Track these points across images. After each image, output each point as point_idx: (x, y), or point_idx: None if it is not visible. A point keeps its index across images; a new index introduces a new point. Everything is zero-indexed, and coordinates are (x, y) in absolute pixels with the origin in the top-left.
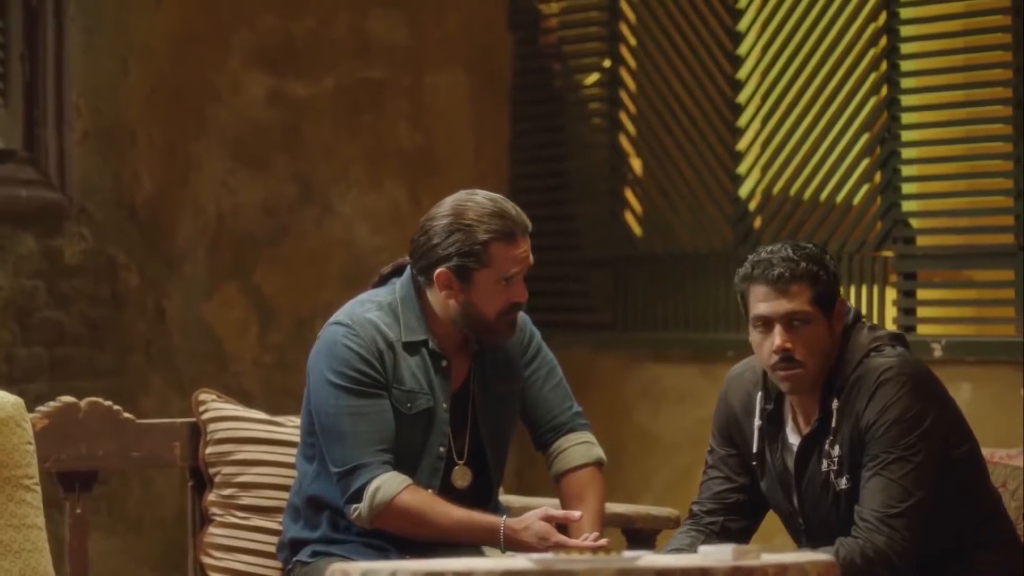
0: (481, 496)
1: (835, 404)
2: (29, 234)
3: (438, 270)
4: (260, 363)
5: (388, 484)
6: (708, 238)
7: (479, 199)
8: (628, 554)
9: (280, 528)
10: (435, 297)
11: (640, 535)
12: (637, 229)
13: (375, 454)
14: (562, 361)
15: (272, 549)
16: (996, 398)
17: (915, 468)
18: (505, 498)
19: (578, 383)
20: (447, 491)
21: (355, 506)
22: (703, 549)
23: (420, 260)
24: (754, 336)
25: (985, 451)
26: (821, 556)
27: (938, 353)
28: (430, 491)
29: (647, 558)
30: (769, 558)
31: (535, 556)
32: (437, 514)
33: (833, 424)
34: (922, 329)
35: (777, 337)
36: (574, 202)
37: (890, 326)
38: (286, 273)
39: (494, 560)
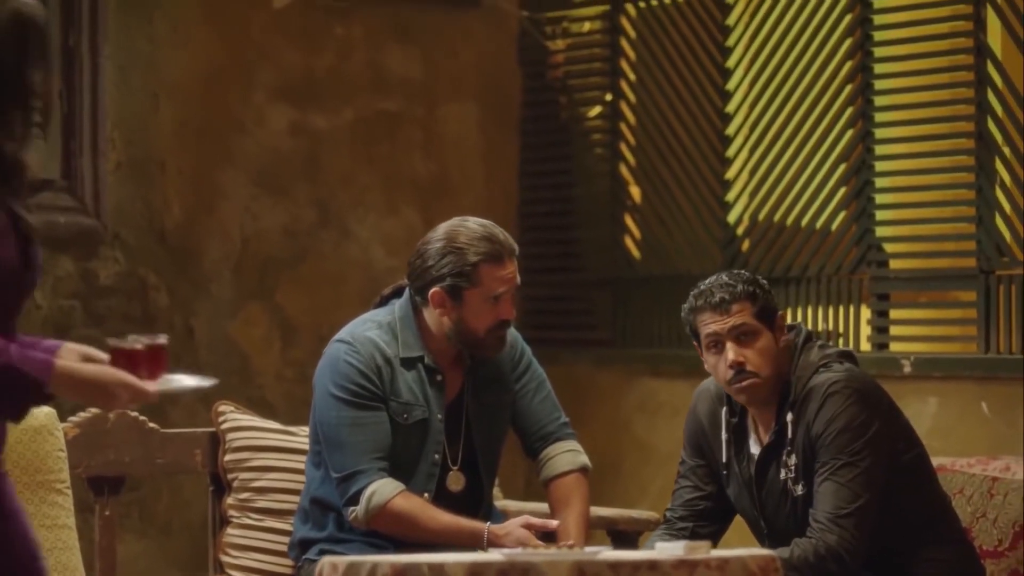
0: (474, 499)
1: (789, 417)
2: (67, 257)
3: (432, 290)
4: (282, 377)
5: (383, 489)
6: (700, 261)
7: (470, 224)
8: (589, 549)
9: (291, 529)
10: (430, 315)
11: (623, 536)
12: (636, 252)
13: (372, 461)
14: (565, 376)
15: (284, 548)
16: (960, 411)
17: (862, 472)
18: (503, 503)
19: (580, 397)
20: (442, 494)
21: (352, 509)
22: (659, 545)
23: (416, 281)
24: (709, 359)
25: (947, 460)
26: (762, 551)
27: (908, 369)
28: (426, 495)
29: (604, 553)
30: (716, 553)
31: (504, 550)
32: (427, 519)
33: (789, 435)
34: (894, 347)
35: (730, 352)
36: (578, 227)
37: (864, 344)
38: (307, 293)
39: (465, 554)
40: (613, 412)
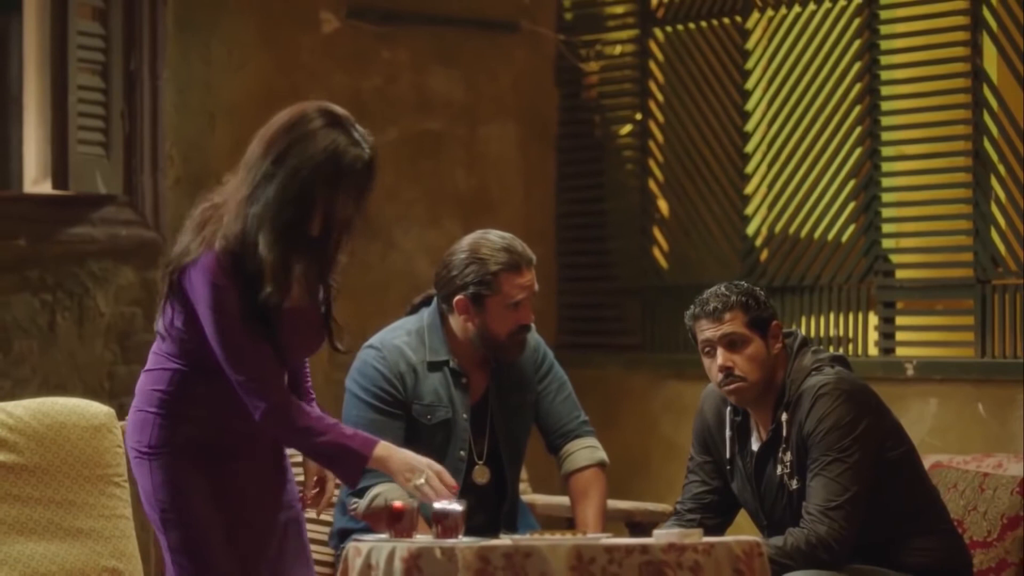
0: (499, 491)
1: (784, 417)
2: (128, 267)
3: (457, 297)
4: (331, 379)
5: (388, 494)
6: (721, 270)
7: (491, 237)
8: (592, 535)
9: (332, 520)
10: (456, 321)
11: (640, 527)
12: (663, 263)
13: None
14: (597, 379)
15: (326, 538)
16: (958, 411)
17: (850, 467)
18: (531, 497)
19: (611, 398)
20: (469, 487)
21: (355, 500)
22: (656, 532)
23: (442, 289)
24: (705, 362)
25: (944, 457)
26: (747, 537)
27: (911, 372)
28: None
29: (603, 539)
30: (705, 539)
31: (514, 535)
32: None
33: (784, 434)
34: (899, 351)
35: (720, 358)
36: (610, 239)
37: (872, 348)
38: (353, 301)
39: (473, 538)
40: (642, 412)
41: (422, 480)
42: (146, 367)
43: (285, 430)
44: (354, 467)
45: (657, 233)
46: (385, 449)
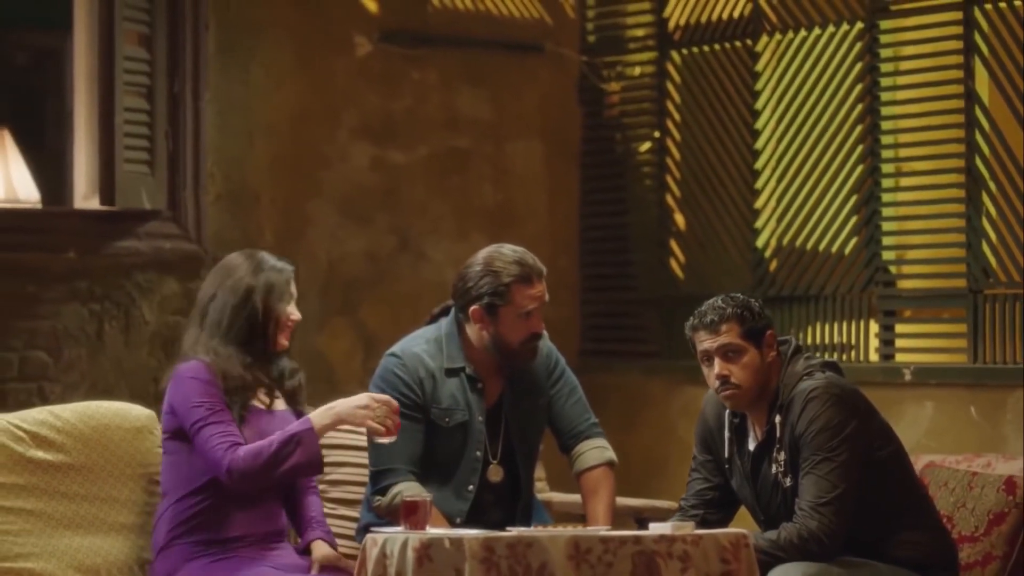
0: (513, 489)
1: (777, 419)
2: (172, 278)
3: (472, 307)
4: (364, 385)
5: (409, 491)
6: (733, 281)
7: (504, 251)
8: (591, 528)
9: (359, 516)
10: (472, 330)
11: (647, 523)
12: (680, 273)
13: (404, 463)
14: (617, 385)
15: (352, 532)
16: (952, 414)
17: (839, 466)
18: (547, 495)
19: (631, 403)
20: (485, 485)
21: (379, 498)
22: (652, 525)
23: (459, 300)
24: (704, 370)
25: (938, 457)
26: (734, 529)
27: (908, 377)
28: (470, 487)
29: (601, 531)
30: (697, 532)
31: (518, 528)
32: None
33: (778, 435)
34: (898, 357)
35: (716, 366)
36: (631, 251)
37: (873, 355)
38: (386, 310)
39: (480, 530)
40: (660, 417)
41: (382, 414)
42: None
43: (246, 464)
44: (311, 442)
45: (674, 245)
46: (320, 414)
